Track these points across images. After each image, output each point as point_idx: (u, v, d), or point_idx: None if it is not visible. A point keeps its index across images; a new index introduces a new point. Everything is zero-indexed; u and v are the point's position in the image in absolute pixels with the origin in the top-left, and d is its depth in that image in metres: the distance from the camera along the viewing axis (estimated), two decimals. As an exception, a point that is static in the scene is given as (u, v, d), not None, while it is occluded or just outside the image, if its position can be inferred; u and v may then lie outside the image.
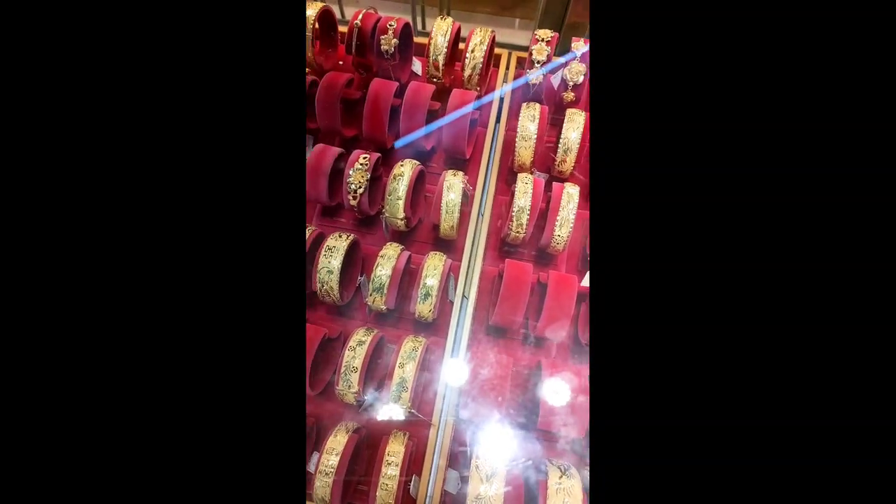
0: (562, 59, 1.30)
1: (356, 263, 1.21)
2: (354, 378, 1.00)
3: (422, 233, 1.32)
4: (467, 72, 1.27)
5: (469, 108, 1.21)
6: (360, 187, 1.14)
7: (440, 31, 1.25)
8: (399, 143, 1.28)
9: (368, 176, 1.15)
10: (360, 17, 1.26)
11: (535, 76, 1.30)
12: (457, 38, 1.34)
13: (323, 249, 1.08)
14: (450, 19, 1.28)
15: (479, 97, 1.29)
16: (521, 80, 1.37)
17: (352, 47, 1.28)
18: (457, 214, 1.13)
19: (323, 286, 1.08)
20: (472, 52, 1.25)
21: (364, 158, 1.16)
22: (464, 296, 1.20)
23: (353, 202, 1.16)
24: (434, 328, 1.21)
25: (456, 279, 1.19)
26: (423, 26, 1.74)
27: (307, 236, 1.10)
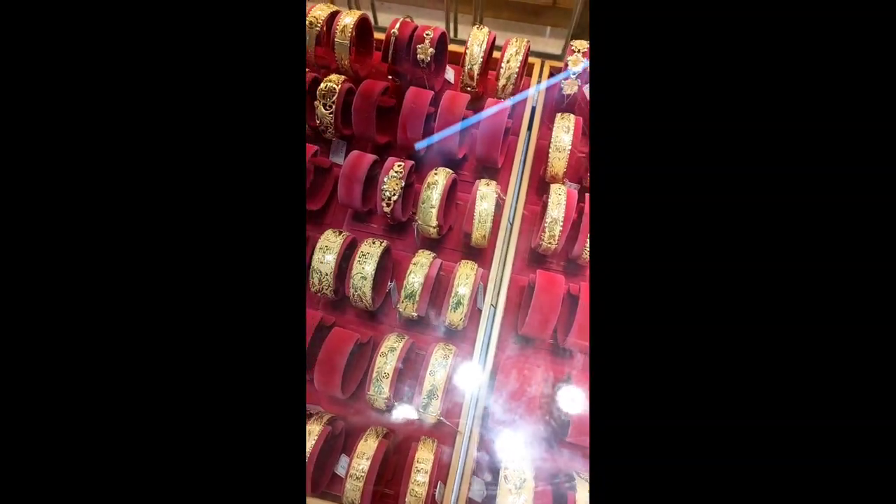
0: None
1: (387, 269, 1.23)
2: (385, 384, 1.02)
3: (451, 240, 1.33)
4: (502, 82, 1.28)
5: (497, 107, 1.21)
6: (394, 195, 1.16)
7: (476, 40, 1.26)
8: (420, 145, 1.28)
9: (403, 184, 1.16)
10: (398, 26, 1.28)
11: (563, 77, 1.29)
12: (491, 47, 1.34)
13: (357, 255, 1.10)
14: (486, 29, 1.28)
15: (513, 107, 1.29)
16: (547, 83, 1.36)
17: (388, 55, 1.30)
18: (489, 224, 1.14)
19: (356, 291, 1.10)
20: (508, 62, 1.26)
21: (399, 166, 1.17)
22: (491, 305, 1.20)
23: (387, 209, 1.18)
24: (461, 335, 1.22)
25: (485, 288, 1.20)
26: (456, 34, 1.75)
27: (342, 242, 1.12)
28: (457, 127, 1.23)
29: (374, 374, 1.02)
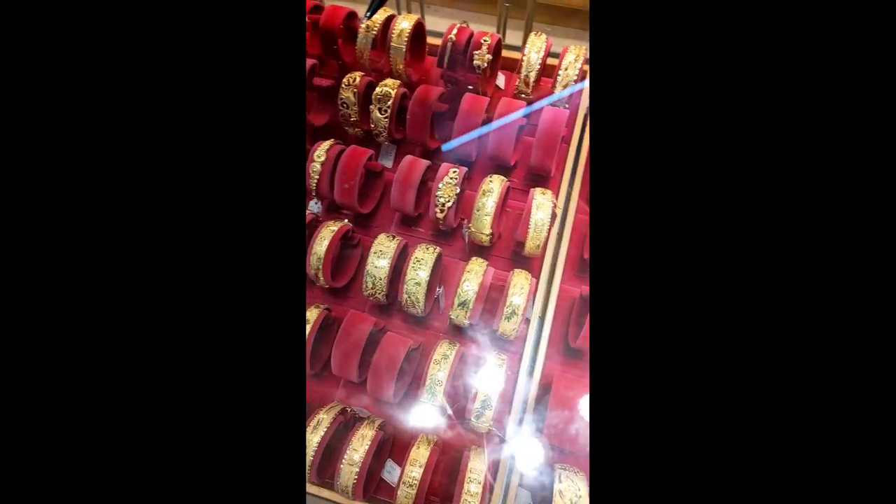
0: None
1: (436, 274, 1.23)
2: (439, 391, 1.01)
3: (499, 247, 1.32)
4: (559, 89, 1.26)
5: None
6: (448, 201, 1.15)
7: (534, 47, 1.25)
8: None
9: (458, 190, 1.16)
10: (455, 31, 1.27)
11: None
12: (548, 54, 1.33)
13: (411, 261, 1.10)
14: (544, 36, 1.27)
15: (569, 114, 1.28)
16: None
17: (444, 61, 1.29)
18: (544, 234, 1.13)
19: (409, 297, 1.10)
20: (566, 70, 1.24)
21: (454, 172, 1.17)
22: (539, 316, 1.19)
23: (440, 215, 1.17)
24: (508, 344, 1.21)
25: (533, 298, 1.18)
26: (504, 38, 1.74)
27: (396, 246, 1.12)
28: (514, 140, 1.22)
29: (428, 382, 1.02)
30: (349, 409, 1.11)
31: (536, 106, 1.31)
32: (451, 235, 1.34)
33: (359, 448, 0.98)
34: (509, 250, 1.31)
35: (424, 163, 1.21)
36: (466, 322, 1.11)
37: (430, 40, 1.45)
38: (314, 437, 0.98)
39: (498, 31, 1.69)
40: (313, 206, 1.38)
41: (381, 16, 1.31)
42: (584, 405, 1.04)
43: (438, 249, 1.14)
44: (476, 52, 1.25)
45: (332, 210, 1.37)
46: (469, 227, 1.18)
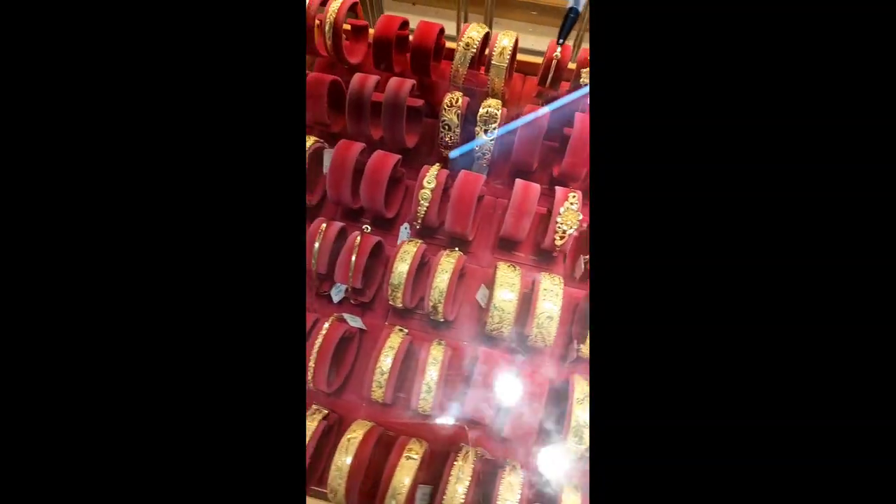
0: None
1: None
2: (586, 432, 0.97)
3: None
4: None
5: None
6: (571, 228, 1.11)
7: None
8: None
9: (580, 216, 1.11)
10: (559, 50, 1.23)
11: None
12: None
13: (540, 292, 1.05)
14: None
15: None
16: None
17: (547, 80, 1.24)
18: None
19: (539, 331, 1.05)
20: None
21: (573, 197, 1.12)
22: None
23: (560, 242, 1.12)
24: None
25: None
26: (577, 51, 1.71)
27: (519, 278, 1.07)
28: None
29: (573, 424, 0.97)
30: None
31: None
32: (550, 259, 1.29)
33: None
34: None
35: (537, 188, 1.16)
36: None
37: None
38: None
39: (577, 45, 1.65)
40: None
41: (479, 33, 1.25)
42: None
43: (561, 278, 1.09)
44: (584, 69, 1.21)
45: (425, 234, 1.31)
46: (584, 257, 1.13)
